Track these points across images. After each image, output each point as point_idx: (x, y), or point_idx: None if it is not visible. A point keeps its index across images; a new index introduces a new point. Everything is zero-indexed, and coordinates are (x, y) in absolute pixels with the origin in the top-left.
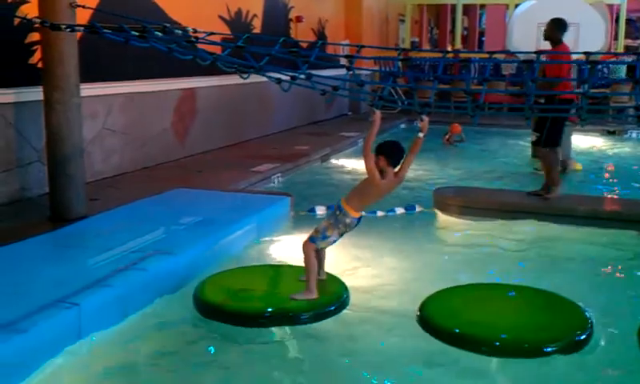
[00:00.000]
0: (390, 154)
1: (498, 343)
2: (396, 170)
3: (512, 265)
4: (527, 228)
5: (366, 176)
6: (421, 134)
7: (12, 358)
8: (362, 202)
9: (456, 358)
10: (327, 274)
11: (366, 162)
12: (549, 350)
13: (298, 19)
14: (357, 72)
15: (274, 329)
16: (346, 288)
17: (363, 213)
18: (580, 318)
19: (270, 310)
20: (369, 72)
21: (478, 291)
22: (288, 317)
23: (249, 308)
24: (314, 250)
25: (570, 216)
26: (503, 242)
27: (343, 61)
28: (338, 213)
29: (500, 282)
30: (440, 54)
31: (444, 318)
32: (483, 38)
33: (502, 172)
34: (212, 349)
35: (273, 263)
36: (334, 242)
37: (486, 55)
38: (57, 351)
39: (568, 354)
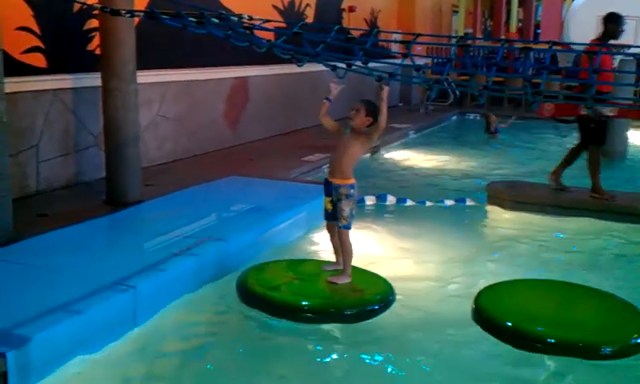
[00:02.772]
0: (375, 113)
1: (552, 341)
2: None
3: (567, 263)
4: (584, 226)
5: (357, 143)
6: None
7: (69, 339)
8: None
9: (510, 355)
10: (372, 273)
11: (382, 126)
12: (605, 352)
13: (351, 9)
14: (409, 62)
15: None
16: (391, 287)
17: None
18: (637, 321)
19: (312, 304)
20: (423, 62)
21: (534, 287)
22: (331, 313)
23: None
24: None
25: (629, 214)
26: (558, 240)
27: (395, 47)
28: (351, 191)
29: (555, 279)
30: (498, 43)
31: (499, 312)
32: (538, 31)
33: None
34: (263, 338)
35: (320, 254)
36: None
37: (546, 45)
38: (113, 332)
39: (624, 358)
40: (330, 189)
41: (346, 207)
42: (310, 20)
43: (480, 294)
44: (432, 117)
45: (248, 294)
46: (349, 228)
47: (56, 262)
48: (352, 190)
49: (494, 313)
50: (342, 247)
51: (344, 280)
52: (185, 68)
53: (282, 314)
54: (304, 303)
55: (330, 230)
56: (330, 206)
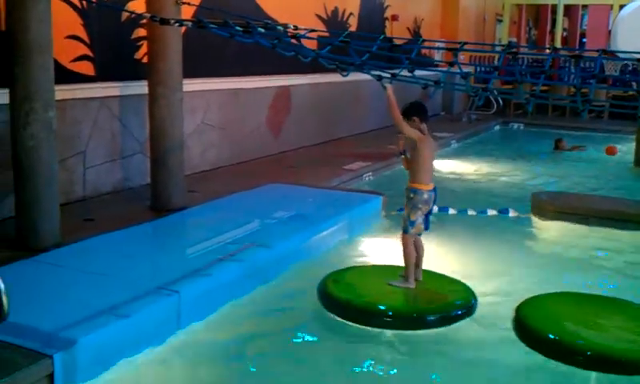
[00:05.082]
0: (419, 111)
1: (590, 353)
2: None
3: (611, 276)
4: (629, 238)
5: (413, 150)
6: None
7: (115, 342)
8: (425, 172)
9: (552, 368)
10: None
11: (404, 130)
12: None
13: (394, 18)
14: (455, 69)
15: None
16: (472, 293)
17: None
18: None
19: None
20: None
21: (578, 300)
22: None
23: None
24: (410, 239)
25: None
26: (602, 252)
27: (438, 56)
28: (412, 195)
29: (600, 294)
30: (546, 51)
31: (540, 324)
32: (584, 40)
33: (603, 179)
34: (312, 341)
35: (363, 261)
36: (422, 223)
37: (595, 53)
38: (157, 337)
39: None
40: None
41: (407, 210)
42: (353, 28)
43: (520, 306)
44: (475, 126)
45: (329, 300)
46: (406, 232)
47: (101, 266)
48: (412, 194)
49: (535, 325)
50: None
51: (403, 284)
52: (229, 77)
53: (359, 320)
54: (381, 308)
55: None
56: None
